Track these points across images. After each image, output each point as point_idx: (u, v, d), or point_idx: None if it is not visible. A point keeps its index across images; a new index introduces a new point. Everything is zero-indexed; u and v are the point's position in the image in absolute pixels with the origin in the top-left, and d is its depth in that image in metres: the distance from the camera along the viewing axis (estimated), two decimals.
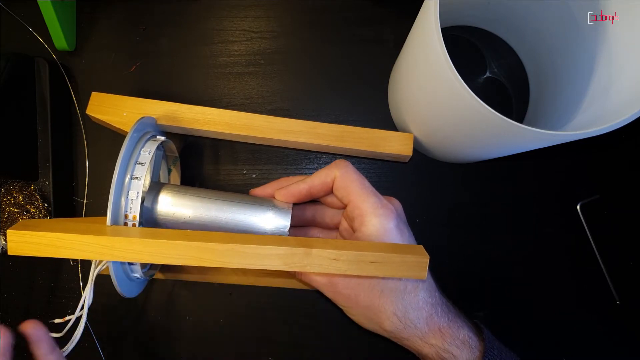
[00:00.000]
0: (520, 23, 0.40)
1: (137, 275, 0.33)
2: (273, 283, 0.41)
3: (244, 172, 0.43)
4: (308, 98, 0.43)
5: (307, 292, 0.41)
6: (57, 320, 0.34)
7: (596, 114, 0.31)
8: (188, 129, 0.39)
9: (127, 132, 0.32)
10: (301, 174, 0.43)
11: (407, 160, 0.40)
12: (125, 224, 0.31)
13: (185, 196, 0.34)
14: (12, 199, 0.40)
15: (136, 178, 0.31)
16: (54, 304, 0.42)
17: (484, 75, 0.43)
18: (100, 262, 0.32)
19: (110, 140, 0.42)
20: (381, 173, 0.42)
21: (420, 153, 0.42)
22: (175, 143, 0.39)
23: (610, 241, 0.42)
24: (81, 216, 0.43)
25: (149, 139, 0.34)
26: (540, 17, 0.37)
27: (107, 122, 0.38)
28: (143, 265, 0.35)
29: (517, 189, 0.42)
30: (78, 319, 0.32)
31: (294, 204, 0.35)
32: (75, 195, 0.43)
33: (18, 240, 0.28)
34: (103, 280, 0.33)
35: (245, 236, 0.30)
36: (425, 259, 0.29)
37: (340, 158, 0.42)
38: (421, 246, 0.31)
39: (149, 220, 0.34)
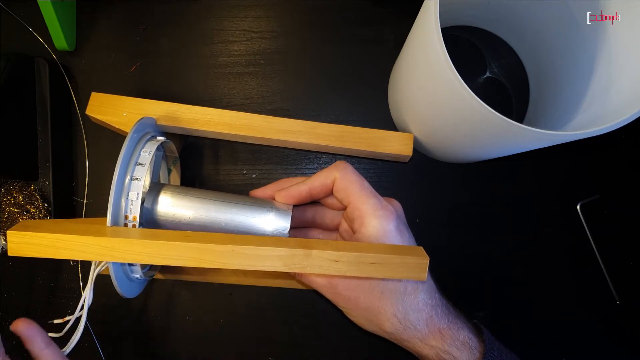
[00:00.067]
0: (520, 23, 0.40)
1: (137, 276, 0.33)
2: (273, 283, 0.41)
3: (244, 172, 0.43)
4: (308, 98, 0.43)
5: (307, 292, 0.41)
6: (56, 321, 0.34)
7: (596, 114, 0.31)
8: (188, 129, 0.39)
9: (127, 133, 0.32)
10: (301, 174, 0.43)
11: (407, 160, 0.40)
12: (126, 224, 0.31)
13: (185, 197, 0.34)
14: (12, 199, 0.40)
15: (136, 179, 0.31)
16: (54, 304, 0.42)
17: (484, 75, 0.43)
18: (101, 262, 0.32)
19: (110, 140, 0.42)
20: (381, 173, 0.42)
21: (420, 153, 0.42)
22: (175, 143, 0.39)
23: (610, 241, 0.42)
24: (81, 216, 0.43)
25: (148, 140, 0.34)
26: (540, 17, 0.37)
27: (107, 122, 0.38)
28: (143, 266, 0.35)
29: (517, 189, 0.42)
30: (78, 319, 0.32)
31: (294, 205, 0.35)
32: (75, 196, 0.43)
33: (18, 241, 0.28)
34: (103, 281, 0.33)
35: (246, 237, 0.30)
36: (425, 260, 0.29)
37: (340, 158, 0.42)
38: (421, 247, 0.31)
39: (149, 221, 0.34)
